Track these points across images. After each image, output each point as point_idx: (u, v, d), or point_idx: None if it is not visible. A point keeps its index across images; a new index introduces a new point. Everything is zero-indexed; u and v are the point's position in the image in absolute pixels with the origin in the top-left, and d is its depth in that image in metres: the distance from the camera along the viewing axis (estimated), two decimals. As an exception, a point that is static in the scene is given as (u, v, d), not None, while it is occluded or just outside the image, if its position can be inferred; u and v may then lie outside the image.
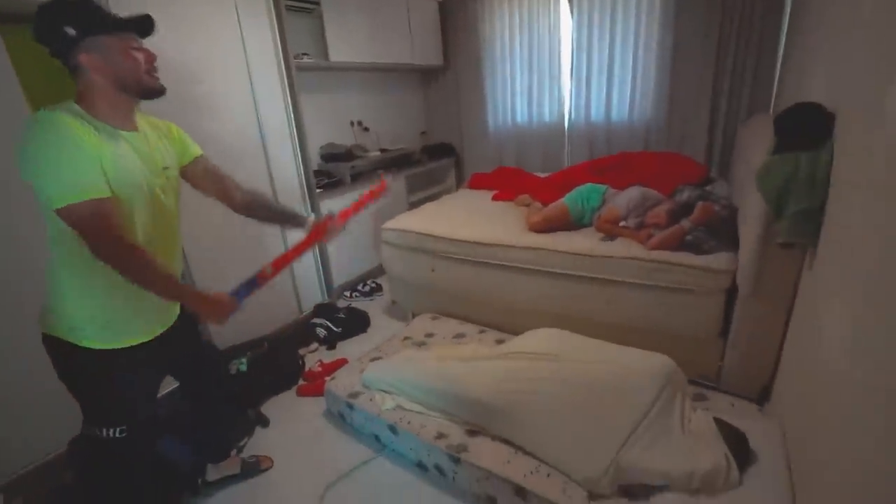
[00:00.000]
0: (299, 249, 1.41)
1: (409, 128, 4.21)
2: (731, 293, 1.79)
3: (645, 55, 3.21)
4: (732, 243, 1.91)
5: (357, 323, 2.72)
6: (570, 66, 3.51)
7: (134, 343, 1.17)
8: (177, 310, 1.34)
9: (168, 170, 1.21)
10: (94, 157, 0.98)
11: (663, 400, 1.47)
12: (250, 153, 2.43)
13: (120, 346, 1.14)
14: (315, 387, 2.15)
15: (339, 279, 3.09)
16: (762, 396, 1.76)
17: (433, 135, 4.41)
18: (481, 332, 2.29)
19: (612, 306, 2.06)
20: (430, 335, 2.31)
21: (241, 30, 2.29)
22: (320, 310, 2.78)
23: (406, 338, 2.30)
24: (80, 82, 1.04)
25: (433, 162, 3.99)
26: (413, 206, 3.52)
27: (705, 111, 3.08)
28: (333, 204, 2.98)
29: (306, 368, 2.33)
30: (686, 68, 3.07)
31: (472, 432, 1.61)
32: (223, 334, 2.32)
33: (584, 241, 2.15)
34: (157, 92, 1.13)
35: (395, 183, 3.54)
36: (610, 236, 2.19)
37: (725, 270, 1.78)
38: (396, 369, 1.87)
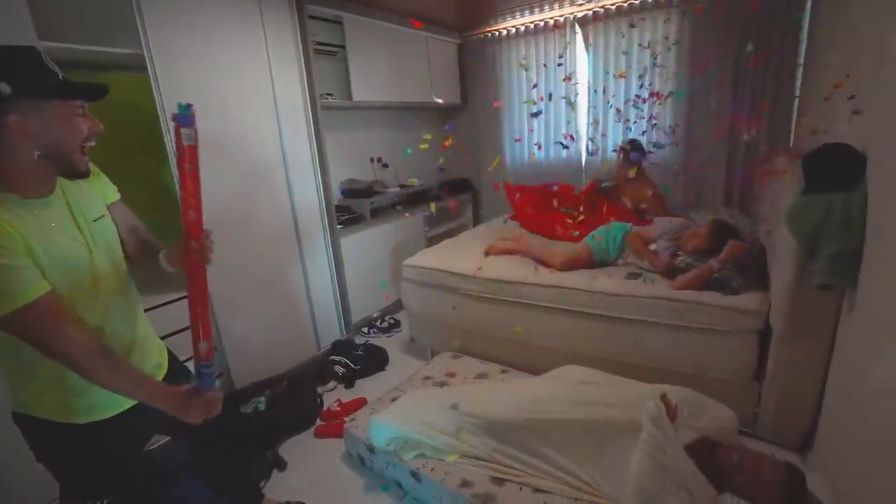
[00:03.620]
0: (200, 295, 1.04)
1: (427, 164, 4.28)
2: (765, 334, 1.74)
3: (661, 91, 3.25)
4: (761, 281, 1.87)
5: (375, 360, 2.69)
6: (586, 104, 3.57)
7: (122, 410, 1.09)
8: (164, 365, 1.24)
9: (101, 220, 1.07)
10: (22, 253, 0.86)
11: None
12: (275, 187, 2.49)
13: (105, 418, 1.05)
14: (334, 427, 2.10)
15: (356, 315, 3.07)
16: (804, 445, 1.67)
17: (451, 171, 4.47)
18: (504, 371, 2.24)
19: (640, 347, 2.00)
20: (451, 374, 2.26)
21: (272, 71, 2.39)
22: (338, 347, 2.76)
23: (426, 377, 2.25)
24: None
25: (451, 198, 4.03)
26: (431, 241, 3.53)
27: (723, 146, 3.08)
28: (354, 240, 3.01)
29: (324, 408, 2.29)
30: (702, 105, 3.09)
31: (499, 480, 1.55)
32: (241, 373, 2.31)
33: (608, 280, 2.12)
34: (80, 175, 0.98)
35: (414, 219, 3.57)
36: (635, 274, 2.17)
37: (756, 311, 1.74)
38: (404, 416, 1.76)
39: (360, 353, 2.71)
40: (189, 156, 0.97)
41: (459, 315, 2.46)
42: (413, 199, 3.68)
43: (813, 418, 1.65)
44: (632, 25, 3.24)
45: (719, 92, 3.00)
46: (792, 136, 2.78)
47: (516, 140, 3.98)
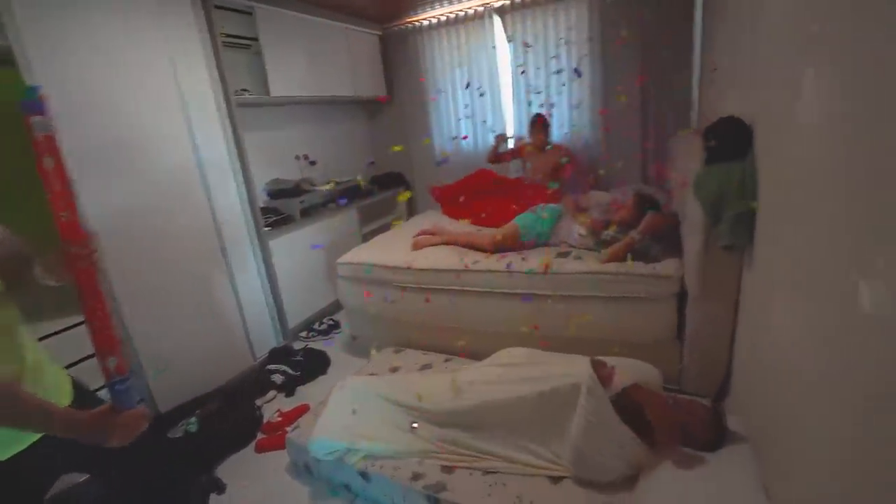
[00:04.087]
0: (97, 306, 0.93)
1: (356, 159, 4.18)
2: (682, 297, 1.88)
3: (578, 80, 3.40)
4: (677, 249, 2.01)
5: (316, 364, 2.59)
6: (511, 91, 3.65)
7: (15, 452, 0.95)
8: (68, 395, 1.10)
9: None
10: None
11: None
12: (191, 194, 2.30)
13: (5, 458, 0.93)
14: (275, 440, 2.00)
15: (293, 320, 2.94)
16: (720, 393, 1.83)
17: (382, 164, 4.41)
18: (447, 360, 2.24)
19: (573, 321, 2.09)
20: (394, 369, 2.23)
21: (176, 67, 2.20)
22: (275, 354, 2.63)
23: (370, 375, 2.21)
24: None
25: (384, 192, 3.97)
26: (367, 237, 3.46)
27: (637, 129, 3.28)
28: (284, 242, 2.87)
29: (264, 420, 2.17)
30: (615, 90, 3.26)
31: (448, 468, 1.55)
32: (166, 395, 2.13)
33: (539, 260, 2.18)
34: None
35: (348, 214, 3.48)
36: (565, 253, 2.25)
37: (673, 276, 1.87)
38: (348, 427, 1.70)
39: (300, 358, 2.60)
40: (48, 148, 0.83)
41: (398, 308, 2.44)
42: (345, 196, 3.57)
43: (727, 368, 1.80)
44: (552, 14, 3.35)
45: (629, 77, 3.18)
46: (695, 116, 3.02)
47: (455, 126, 3.98)
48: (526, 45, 3.45)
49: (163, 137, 2.16)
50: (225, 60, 2.48)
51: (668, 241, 2.02)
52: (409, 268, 2.37)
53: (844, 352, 0.83)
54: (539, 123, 3.15)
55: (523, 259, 2.20)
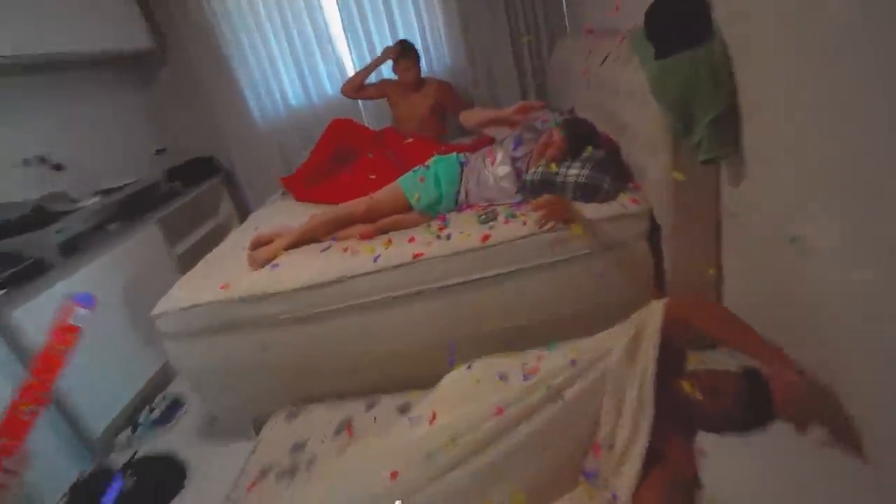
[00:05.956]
0: None
1: (135, 149, 2.89)
2: (653, 235, 1.50)
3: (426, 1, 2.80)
4: (625, 182, 1.61)
5: (162, 483, 1.64)
6: (341, 25, 2.84)
7: None
8: None
9: None
10: None
11: None
12: None
13: None
14: None
15: (99, 421, 1.85)
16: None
17: (178, 151, 3.15)
18: (370, 407, 1.55)
19: (524, 298, 1.57)
20: (300, 447, 1.46)
21: None
22: (81, 491, 1.59)
23: (264, 470, 1.40)
24: None
25: (191, 189, 2.81)
26: (184, 260, 2.40)
27: (506, 47, 2.81)
28: (41, 306, 1.72)
29: None
30: (474, 8, 2.73)
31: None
32: None
33: (463, 236, 1.58)
34: None
35: (146, 234, 2.35)
36: (489, 214, 1.67)
37: (639, 212, 1.47)
38: None
39: (132, 477, 1.62)
40: (67, 338, 0.94)
41: (277, 356, 1.62)
42: (131, 208, 2.41)
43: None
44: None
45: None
46: (567, 21, 2.68)
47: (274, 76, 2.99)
48: None
49: None
50: None
51: (613, 169, 1.60)
52: (275, 293, 1.55)
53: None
54: (408, 52, 2.46)
55: (442, 239, 1.59)
